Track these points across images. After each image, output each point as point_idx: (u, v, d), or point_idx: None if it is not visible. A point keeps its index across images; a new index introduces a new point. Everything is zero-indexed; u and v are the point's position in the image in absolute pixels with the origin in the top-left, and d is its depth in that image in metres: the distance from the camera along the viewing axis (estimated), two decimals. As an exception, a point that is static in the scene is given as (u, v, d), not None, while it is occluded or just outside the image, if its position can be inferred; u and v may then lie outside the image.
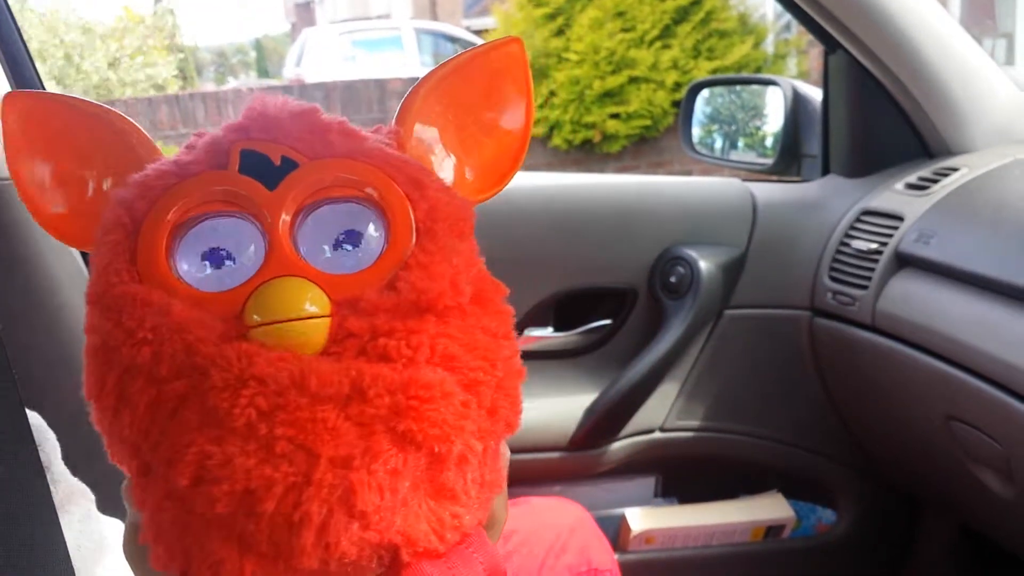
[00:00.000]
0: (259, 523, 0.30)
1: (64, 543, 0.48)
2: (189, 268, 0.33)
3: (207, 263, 0.33)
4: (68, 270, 0.99)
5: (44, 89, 1.04)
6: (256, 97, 0.36)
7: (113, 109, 0.38)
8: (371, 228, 0.34)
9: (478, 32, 9.71)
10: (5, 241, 0.87)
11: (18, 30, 1.00)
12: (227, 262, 0.33)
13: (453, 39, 9.39)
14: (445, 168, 0.40)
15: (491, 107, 0.41)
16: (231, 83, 15.28)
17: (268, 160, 0.33)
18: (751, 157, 1.47)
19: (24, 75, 0.99)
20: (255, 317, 0.32)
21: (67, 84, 7.67)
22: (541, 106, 6.12)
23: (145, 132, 0.38)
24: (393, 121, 0.40)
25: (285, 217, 0.33)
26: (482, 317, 0.35)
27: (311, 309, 0.32)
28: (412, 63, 8.52)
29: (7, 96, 0.36)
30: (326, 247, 0.34)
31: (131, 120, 0.38)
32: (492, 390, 0.34)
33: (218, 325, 0.31)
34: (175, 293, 0.32)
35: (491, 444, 0.35)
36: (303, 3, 17.08)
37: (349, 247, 0.34)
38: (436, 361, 0.32)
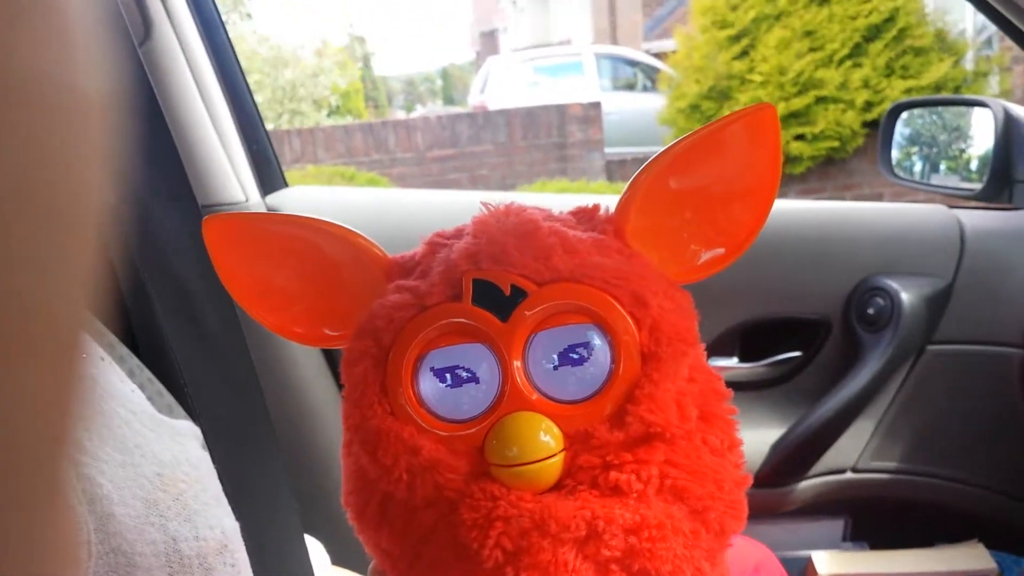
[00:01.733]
0: None
1: None
2: (430, 387, 0.36)
3: (448, 381, 0.36)
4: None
5: (260, 118, 1.12)
6: (480, 217, 0.38)
7: (312, 218, 0.40)
8: (597, 345, 0.36)
9: (658, 55, 9.68)
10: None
11: (240, 67, 1.09)
12: (467, 383, 0.36)
13: (633, 63, 9.40)
14: (671, 252, 0.39)
15: (739, 181, 0.39)
16: (419, 111, 15.96)
17: (499, 289, 0.35)
18: (954, 182, 1.38)
19: (246, 110, 1.07)
20: (497, 456, 0.34)
21: (273, 116, 8.26)
22: (723, 129, 6.02)
23: (358, 235, 0.40)
24: (616, 204, 0.39)
25: (517, 347, 0.35)
26: (707, 434, 0.36)
27: (547, 443, 0.34)
28: (592, 87, 8.59)
29: (206, 221, 0.39)
30: (550, 364, 0.36)
31: (330, 222, 0.39)
32: (720, 513, 0.35)
33: (463, 464, 0.34)
34: (423, 426, 0.35)
35: (719, 558, 0.36)
36: (487, 32, 17.63)
37: (575, 364, 0.36)
38: (666, 492, 0.34)
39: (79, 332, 0.16)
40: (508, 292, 0.35)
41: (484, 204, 0.39)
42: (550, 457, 0.34)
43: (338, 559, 0.79)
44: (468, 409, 0.35)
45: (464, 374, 0.36)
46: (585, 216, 0.40)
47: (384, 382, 0.36)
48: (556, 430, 0.34)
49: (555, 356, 0.35)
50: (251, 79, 8.10)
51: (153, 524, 0.41)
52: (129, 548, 0.39)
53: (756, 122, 0.38)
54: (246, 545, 0.49)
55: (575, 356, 0.35)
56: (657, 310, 0.36)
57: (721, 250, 0.39)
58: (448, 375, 0.36)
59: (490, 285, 0.36)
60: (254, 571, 0.50)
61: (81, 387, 0.16)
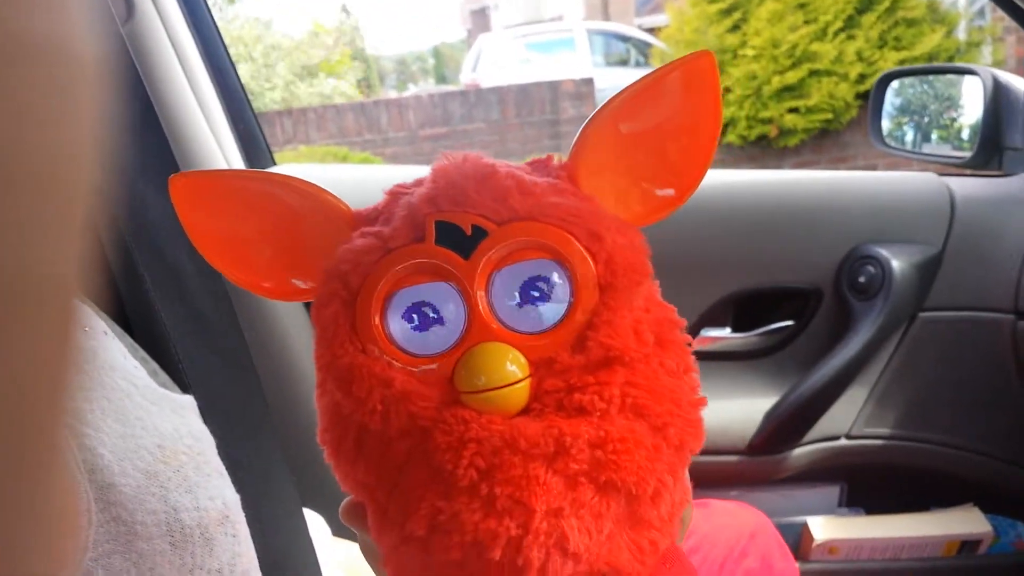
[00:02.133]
0: (488, 567, 0.34)
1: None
2: (399, 328, 0.38)
3: (415, 322, 0.38)
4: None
5: (247, 96, 1.12)
6: (438, 164, 0.39)
7: (276, 172, 0.41)
8: (555, 279, 0.38)
9: (650, 30, 9.63)
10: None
11: (224, 46, 1.08)
12: (433, 320, 0.37)
13: (625, 38, 9.36)
14: (622, 194, 0.41)
15: (680, 124, 0.42)
16: (411, 90, 15.87)
17: (460, 230, 0.37)
18: (946, 150, 1.38)
19: (231, 88, 1.07)
20: (466, 384, 0.36)
21: (256, 94, 8.21)
22: (716, 103, 6.00)
23: (322, 190, 0.41)
24: (570, 152, 0.41)
25: (480, 283, 0.37)
26: (664, 358, 0.38)
27: (513, 371, 0.36)
28: (584, 63, 8.55)
29: (172, 179, 0.40)
30: (513, 301, 0.38)
31: (295, 177, 0.41)
32: (679, 429, 0.37)
33: (434, 393, 0.36)
34: (393, 359, 0.37)
35: (680, 473, 0.38)
36: (478, 10, 17.51)
37: (536, 301, 0.38)
38: (627, 411, 0.36)
39: (72, 298, 0.16)
40: (469, 232, 0.37)
41: (444, 155, 0.40)
42: (516, 382, 0.36)
43: (339, 531, 0.80)
44: (435, 344, 0.37)
45: (430, 311, 0.37)
46: (539, 165, 0.42)
47: (354, 322, 0.37)
48: (521, 359, 0.36)
49: (516, 291, 0.37)
50: (243, 66, 8.07)
51: (154, 495, 0.41)
52: (129, 517, 0.40)
53: (694, 69, 0.41)
54: (247, 519, 0.49)
55: (535, 290, 0.38)
56: (611, 244, 0.38)
57: (671, 191, 0.42)
58: (415, 313, 0.37)
59: (452, 226, 0.37)
60: (257, 545, 0.50)
61: (77, 355, 0.17)
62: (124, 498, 0.40)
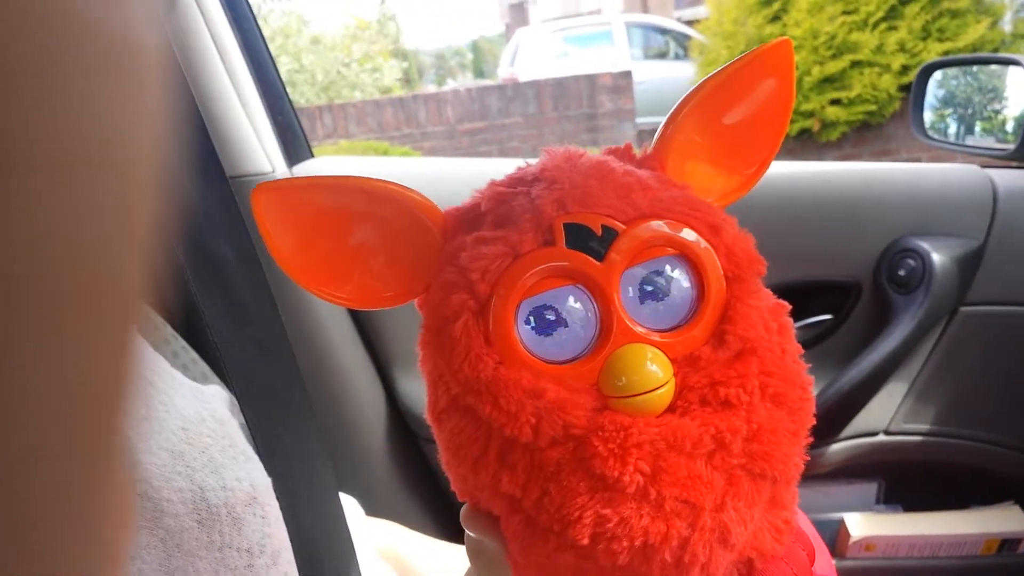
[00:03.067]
0: (652, 569, 0.35)
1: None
2: (525, 333, 0.37)
3: (536, 324, 0.37)
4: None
5: (285, 90, 1.13)
6: (550, 162, 0.39)
7: (359, 177, 0.39)
8: (683, 275, 0.38)
9: (689, 23, 9.54)
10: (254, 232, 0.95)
11: (264, 40, 1.10)
12: (569, 325, 0.37)
13: (664, 31, 9.28)
14: (705, 179, 0.42)
15: (759, 110, 0.43)
16: (450, 84, 15.90)
17: (590, 231, 0.37)
18: (990, 143, 1.36)
19: (270, 80, 1.08)
20: (615, 389, 0.36)
21: (298, 88, 8.27)
22: (756, 95, 5.93)
23: (407, 189, 0.40)
24: (654, 141, 0.42)
25: (616, 285, 0.37)
26: (784, 344, 0.38)
27: (656, 372, 0.36)
28: (623, 57, 8.50)
29: (255, 190, 0.38)
30: (644, 300, 0.38)
31: (380, 181, 0.40)
32: (808, 412, 0.38)
33: (586, 401, 0.36)
34: (535, 370, 0.36)
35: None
36: (516, 4, 17.47)
37: (665, 298, 0.38)
38: (767, 400, 0.36)
39: (136, 295, 0.16)
40: (600, 233, 0.37)
41: (545, 151, 0.41)
42: (662, 386, 0.36)
43: (371, 512, 0.81)
44: (572, 349, 0.37)
45: (565, 316, 0.37)
46: (620, 154, 0.42)
47: (487, 333, 0.37)
48: (664, 359, 0.36)
49: (647, 289, 0.38)
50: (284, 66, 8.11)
51: (179, 473, 0.42)
52: (156, 494, 0.40)
53: (775, 56, 0.42)
54: (281, 502, 0.50)
55: (663, 287, 0.38)
56: (729, 236, 0.39)
57: (745, 175, 0.43)
58: (551, 319, 0.37)
59: (581, 227, 0.37)
60: (290, 527, 0.51)
61: (138, 354, 0.17)
62: (150, 475, 0.40)
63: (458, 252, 0.38)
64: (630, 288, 0.37)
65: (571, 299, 0.37)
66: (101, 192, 0.14)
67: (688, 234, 0.38)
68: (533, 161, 0.42)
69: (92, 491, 0.16)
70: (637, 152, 0.42)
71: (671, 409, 0.36)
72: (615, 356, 0.36)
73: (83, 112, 0.13)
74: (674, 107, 0.41)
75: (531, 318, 0.37)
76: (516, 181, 0.40)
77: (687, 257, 0.38)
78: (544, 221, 0.37)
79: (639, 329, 0.37)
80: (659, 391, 0.36)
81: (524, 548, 0.37)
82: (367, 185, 0.39)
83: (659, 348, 0.37)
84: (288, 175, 1.08)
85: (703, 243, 0.38)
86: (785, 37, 0.42)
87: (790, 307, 0.40)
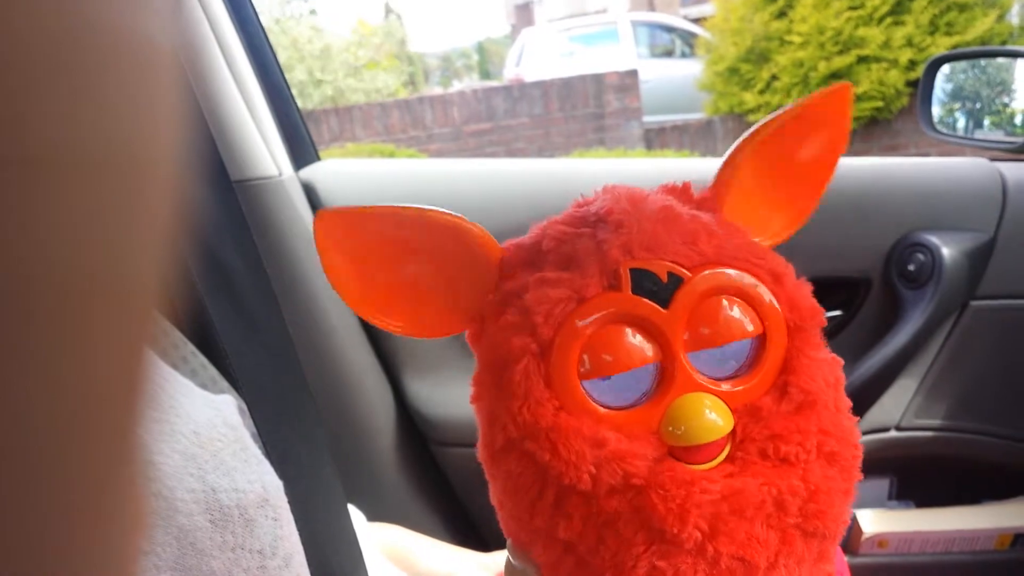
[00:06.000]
0: None
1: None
2: (589, 384, 0.37)
3: (603, 377, 0.37)
4: (317, 267, 1.07)
5: (291, 92, 1.13)
6: (614, 204, 0.38)
7: (428, 209, 0.39)
8: (747, 326, 0.38)
9: (695, 20, 9.53)
10: (260, 236, 0.95)
11: (269, 44, 1.10)
12: (632, 372, 0.37)
13: (670, 29, 9.27)
14: (760, 222, 0.42)
15: (816, 153, 0.43)
16: (456, 86, 15.92)
17: (655, 277, 0.36)
18: (998, 136, 1.35)
19: (275, 83, 1.08)
20: (675, 436, 0.36)
21: (307, 94, 8.30)
22: (762, 91, 5.92)
23: (466, 223, 0.40)
24: (712, 182, 0.42)
25: (680, 333, 0.37)
26: (838, 400, 0.38)
27: (717, 421, 0.36)
28: (629, 55, 8.50)
29: (318, 215, 0.39)
30: (707, 350, 0.37)
31: (450, 213, 0.39)
32: (858, 469, 0.38)
33: (646, 450, 0.36)
34: (596, 417, 0.36)
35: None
36: (522, 4, 17.48)
37: (728, 348, 0.38)
38: (823, 458, 0.36)
39: (154, 296, 0.16)
40: (666, 280, 0.36)
41: (606, 189, 0.40)
42: (723, 440, 0.36)
43: (373, 518, 0.81)
44: (632, 395, 0.37)
45: (629, 363, 0.36)
46: (678, 194, 0.41)
47: (547, 377, 0.36)
48: (725, 408, 0.36)
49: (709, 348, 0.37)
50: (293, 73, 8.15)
51: (192, 474, 0.42)
52: (169, 493, 0.40)
53: (834, 102, 0.42)
54: (291, 508, 0.50)
55: (730, 354, 0.38)
56: (790, 285, 0.39)
57: (787, 219, 0.43)
58: (615, 366, 0.36)
59: (646, 273, 0.36)
60: (300, 533, 0.51)
61: (151, 359, 0.17)
62: (163, 475, 0.40)
63: (520, 292, 0.38)
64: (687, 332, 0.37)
65: (640, 347, 0.37)
66: (120, 192, 0.14)
67: (752, 282, 0.38)
68: (588, 193, 0.41)
69: (106, 493, 0.16)
70: (695, 191, 0.42)
71: (731, 459, 0.36)
72: (676, 405, 0.36)
73: (102, 113, 0.13)
74: (732, 149, 0.41)
75: (604, 364, 0.36)
76: (579, 221, 0.39)
77: (751, 306, 0.38)
78: (609, 265, 0.37)
79: (700, 378, 0.37)
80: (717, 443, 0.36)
81: None
82: (427, 216, 0.39)
83: (720, 397, 0.36)
84: (295, 178, 1.08)
85: (767, 292, 0.38)
86: (846, 83, 0.42)
87: (842, 362, 0.40)
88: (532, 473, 0.36)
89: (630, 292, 0.36)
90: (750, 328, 0.37)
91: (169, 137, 0.16)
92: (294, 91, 1.14)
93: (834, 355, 0.39)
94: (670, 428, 0.36)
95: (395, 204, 0.39)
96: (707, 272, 0.37)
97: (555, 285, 0.37)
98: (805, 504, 0.35)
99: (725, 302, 0.37)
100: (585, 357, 0.36)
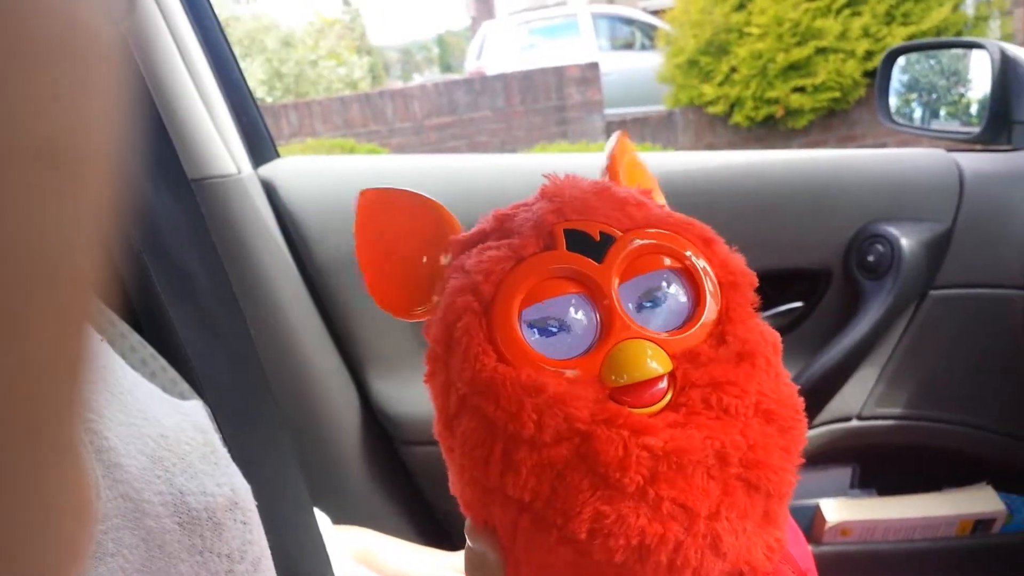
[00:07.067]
0: (647, 569, 0.35)
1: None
2: (536, 334, 0.38)
3: (552, 325, 0.38)
4: (279, 266, 1.06)
5: (249, 89, 1.12)
6: (549, 186, 0.41)
7: (428, 197, 0.43)
8: (680, 284, 0.40)
9: (655, 12, 9.58)
10: (220, 236, 0.94)
11: (226, 39, 1.08)
12: (571, 326, 0.38)
13: (630, 21, 9.32)
14: None
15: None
16: (416, 79, 15.85)
17: (588, 237, 0.39)
18: (954, 126, 1.37)
19: (233, 81, 1.07)
20: (614, 379, 0.37)
21: (271, 91, 8.22)
22: (721, 83, 5.97)
23: (446, 209, 0.43)
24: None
25: (614, 285, 0.38)
26: (777, 363, 0.39)
27: (655, 367, 0.37)
28: (589, 48, 8.52)
29: (361, 194, 0.42)
30: (641, 306, 0.39)
31: (435, 201, 0.43)
32: (799, 433, 0.39)
33: (588, 393, 0.37)
34: (538, 368, 0.37)
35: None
36: (481, -4, 17.42)
37: (662, 304, 0.39)
38: (760, 416, 0.37)
39: (88, 282, 0.16)
40: (598, 238, 0.39)
41: (547, 176, 0.42)
42: (661, 377, 0.37)
43: (349, 518, 0.80)
44: (574, 350, 0.38)
45: (567, 317, 0.38)
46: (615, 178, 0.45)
47: (489, 334, 0.38)
48: (663, 353, 0.37)
49: (645, 296, 0.39)
50: (251, 62, 8.05)
51: (159, 477, 0.42)
52: (136, 495, 0.40)
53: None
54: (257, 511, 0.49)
55: (661, 295, 0.39)
56: (721, 248, 0.41)
57: None
58: (553, 320, 0.38)
59: (579, 233, 0.39)
60: (267, 537, 0.50)
61: (91, 344, 0.16)
62: (130, 477, 0.40)
63: (464, 261, 0.40)
64: (629, 303, 0.39)
65: (572, 304, 0.38)
66: (53, 178, 0.14)
67: (681, 243, 0.39)
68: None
69: (44, 480, 0.16)
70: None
71: (674, 407, 0.37)
72: (616, 350, 0.37)
73: (33, 99, 0.13)
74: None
75: (542, 319, 0.38)
76: (517, 206, 0.42)
77: (683, 267, 0.39)
78: (544, 228, 0.39)
79: (637, 326, 0.38)
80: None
81: (528, 545, 0.38)
82: (424, 200, 0.43)
83: (658, 344, 0.38)
84: (254, 176, 1.06)
85: (699, 252, 0.40)
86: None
87: (778, 336, 0.41)
88: (482, 429, 0.37)
89: (564, 249, 0.38)
90: (683, 292, 0.39)
91: (107, 125, 0.15)
92: (253, 84, 1.12)
93: (769, 325, 0.41)
94: (610, 374, 0.37)
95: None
96: (634, 232, 0.39)
97: (494, 249, 0.39)
98: (744, 454, 0.36)
99: (657, 267, 0.39)
100: (526, 318, 0.38)
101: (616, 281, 0.38)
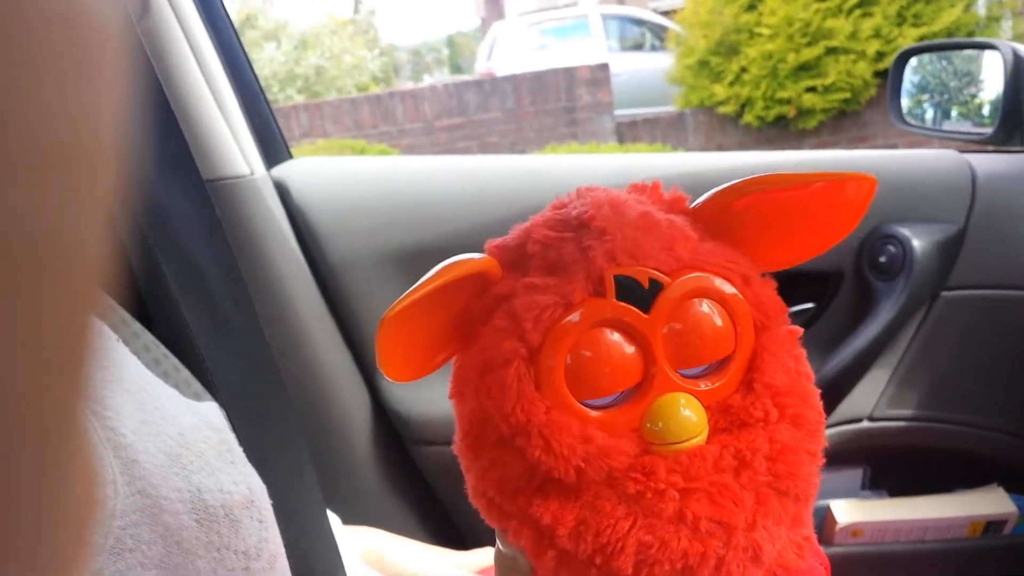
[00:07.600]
0: None
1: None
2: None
3: (598, 375, 0.39)
4: (291, 267, 1.07)
5: (262, 91, 1.12)
6: (596, 211, 0.40)
7: (454, 265, 0.40)
8: (720, 325, 0.40)
9: (665, 13, 9.56)
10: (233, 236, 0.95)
11: (240, 42, 1.09)
12: (615, 374, 0.39)
13: (640, 22, 9.30)
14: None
15: (815, 225, 0.44)
16: (426, 80, 15.86)
17: (637, 284, 0.39)
18: (966, 127, 1.36)
19: (247, 83, 1.07)
20: (655, 437, 0.38)
21: (282, 85, 8.24)
22: (732, 84, 5.96)
23: (483, 263, 0.40)
24: (704, 200, 0.42)
25: (660, 336, 0.39)
26: (799, 368, 0.41)
27: (692, 418, 0.38)
28: (600, 49, 8.50)
29: (382, 323, 0.38)
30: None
31: (470, 259, 0.40)
32: (822, 433, 0.40)
33: (628, 447, 0.38)
34: (582, 417, 0.38)
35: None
36: (492, -3, 17.42)
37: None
38: (787, 421, 0.39)
39: (93, 273, 0.16)
40: (647, 286, 0.39)
41: (583, 192, 0.42)
42: (698, 435, 0.38)
43: (360, 518, 0.80)
44: (616, 397, 0.39)
45: (611, 363, 0.39)
46: (647, 193, 0.43)
47: (537, 380, 0.38)
48: (700, 407, 0.39)
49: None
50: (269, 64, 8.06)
51: (177, 474, 0.42)
52: (154, 492, 0.40)
53: (856, 187, 0.43)
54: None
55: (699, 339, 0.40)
56: (759, 287, 0.41)
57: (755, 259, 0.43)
58: (598, 368, 0.38)
59: (629, 280, 0.39)
60: (281, 536, 0.51)
61: (95, 335, 0.16)
62: (148, 473, 0.40)
63: (508, 296, 0.40)
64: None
65: (622, 349, 0.39)
66: (56, 167, 0.14)
67: (725, 286, 0.40)
68: (562, 191, 0.43)
69: (48, 468, 0.15)
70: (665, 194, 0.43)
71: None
72: (656, 404, 0.38)
73: (37, 88, 0.13)
74: (742, 180, 0.42)
75: (589, 367, 0.38)
76: (561, 225, 0.41)
77: (723, 307, 0.40)
78: (595, 272, 0.38)
79: (677, 379, 0.39)
80: (695, 439, 0.38)
81: (557, 572, 0.38)
82: (454, 276, 0.40)
83: (695, 396, 0.39)
84: (267, 177, 1.07)
85: (738, 293, 0.40)
86: (872, 177, 0.42)
87: (802, 331, 0.42)
88: (520, 466, 0.38)
89: (614, 298, 0.38)
90: (719, 323, 0.39)
91: (105, 114, 0.15)
92: (264, 84, 1.13)
93: (794, 327, 0.42)
94: (648, 425, 0.38)
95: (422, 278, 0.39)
96: (684, 277, 0.39)
97: (543, 291, 0.39)
98: (772, 463, 0.37)
99: (702, 306, 0.39)
100: (571, 359, 0.38)
101: (661, 332, 0.38)
